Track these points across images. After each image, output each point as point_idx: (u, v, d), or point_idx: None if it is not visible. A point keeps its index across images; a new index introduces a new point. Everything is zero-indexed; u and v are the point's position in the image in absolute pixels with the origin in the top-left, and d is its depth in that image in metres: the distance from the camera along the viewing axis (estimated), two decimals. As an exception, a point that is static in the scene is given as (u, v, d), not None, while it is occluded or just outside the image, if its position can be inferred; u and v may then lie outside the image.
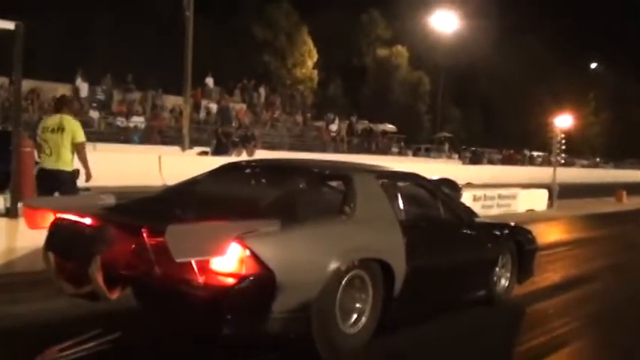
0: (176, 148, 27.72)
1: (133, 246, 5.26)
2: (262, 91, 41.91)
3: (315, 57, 52.31)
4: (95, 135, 28.33)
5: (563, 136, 24.60)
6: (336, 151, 38.92)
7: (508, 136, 66.24)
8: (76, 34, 40.31)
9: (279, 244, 5.30)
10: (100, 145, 25.21)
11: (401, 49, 60.17)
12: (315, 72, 53.04)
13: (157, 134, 31.51)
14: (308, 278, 5.37)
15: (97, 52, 39.19)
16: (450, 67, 59.02)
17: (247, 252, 4.98)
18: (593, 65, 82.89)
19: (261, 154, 28.62)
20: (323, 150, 37.23)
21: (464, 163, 47.25)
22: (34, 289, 7.24)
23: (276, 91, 45.70)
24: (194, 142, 29.08)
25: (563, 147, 24.77)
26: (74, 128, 9.45)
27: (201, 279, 4.95)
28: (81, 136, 9.55)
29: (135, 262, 5.29)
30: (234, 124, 35.09)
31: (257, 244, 5.04)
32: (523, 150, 63.08)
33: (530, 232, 8.81)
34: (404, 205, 6.88)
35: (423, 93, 61.80)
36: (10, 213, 8.32)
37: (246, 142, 30.93)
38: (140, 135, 30.52)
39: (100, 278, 5.24)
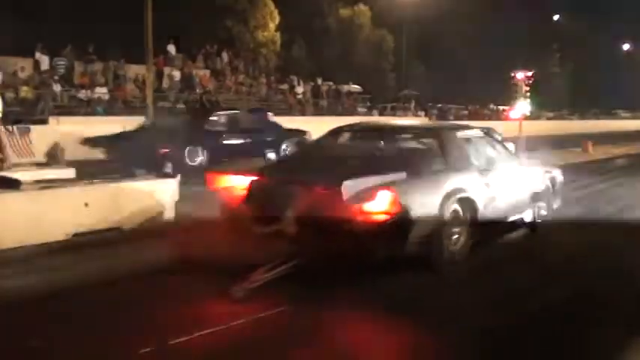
0: (141, 118, 27.46)
1: (308, 196, 7.43)
2: (225, 56, 41.57)
3: (277, 19, 51.74)
4: (58, 108, 28.00)
5: (527, 89, 24.70)
6: (302, 113, 38.77)
7: (474, 92, 66.42)
8: (34, 6, 39.57)
9: (411, 190, 7.57)
10: (64, 119, 24.94)
11: (363, 8, 59.83)
12: (278, 34, 52.52)
13: (122, 104, 31.19)
14: (429, 213, 7.62)
15: (56, 24, 38.50)
16: (413, 24, 58.85)
17: (392, 197, 7.25)
18: (556, 17, 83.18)
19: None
20: (289, 113, 36.95)
21: (430, 120, 47.29)
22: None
23: (239, 55, 45.30)
24: (159, 111, 28.82)
25: (528, 100, 24.86)
26: None
27: (360, 218, 7.19)
28: None
29: (309, 208, 7.33)
30: (198, 91, 34.82)
31: (398, 191, 7.33)
32: (489, 105, 63.30)
33: (559, 169, 11.53)
34: (478, 153, 9.18)
35: (386, 51, 61.62)
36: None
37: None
38: (104, 106, 30.16)
39: (291, 221, 7.37)
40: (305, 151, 9.76)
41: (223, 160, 15.18)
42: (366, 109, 47.76)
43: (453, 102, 59.55)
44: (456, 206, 8.06)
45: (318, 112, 40.83)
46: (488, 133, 10.30)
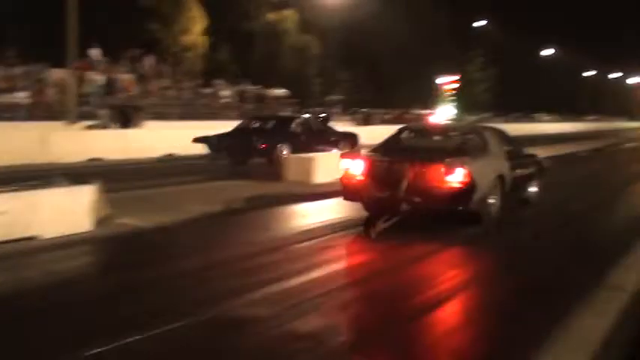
0: (62, 123, 27.11)
1: (414, 170, 11.03)
2: (149, 60, 41.21)
3: (203, 23, 51.45)
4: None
5: (449, 93, 25.18)
6: (228, 118, 38.64)
7: (398, 97, 67.10)
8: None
9: (474, 167, 11.06)
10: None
11: (289, 13, 60.00)
12: (204, 38, 52.23)
13: (43, 110, 30.73)
14: (484, 184, 11.38)
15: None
16: (338, 30, 59.19)
17: (465, 171, 10.88)
18: (477, 24, 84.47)
19: (150, 124, 28.37)
20: (214, 117, 36.78)
21: (357, 124, 47.67)
22: None
23: (163, 59, 44.98)
24: (81, 116, 28.49)
25: (451, 104, 25.35)
26: None
27: (446, 185, 10.92)
28: None
29: (415, 179, 10.99)
30: (120, 96, 34.48)
31: (469, 168, 10.92)
32: (412, 109, 64.05)
33: (545, 157, 16.49)
34: (502, 144, 13.08)
35: (311, 57, 61.91)
36: None
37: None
38: (25, 111, 29.66)
39: (403, 188, 10.95)
40: (389, 143, 13.34)
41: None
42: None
43: (378, 106, 60.07)
44: (496, 180, 11.98)
45: (244, 116, 40.65)
46: (502, 130, 14.69)
